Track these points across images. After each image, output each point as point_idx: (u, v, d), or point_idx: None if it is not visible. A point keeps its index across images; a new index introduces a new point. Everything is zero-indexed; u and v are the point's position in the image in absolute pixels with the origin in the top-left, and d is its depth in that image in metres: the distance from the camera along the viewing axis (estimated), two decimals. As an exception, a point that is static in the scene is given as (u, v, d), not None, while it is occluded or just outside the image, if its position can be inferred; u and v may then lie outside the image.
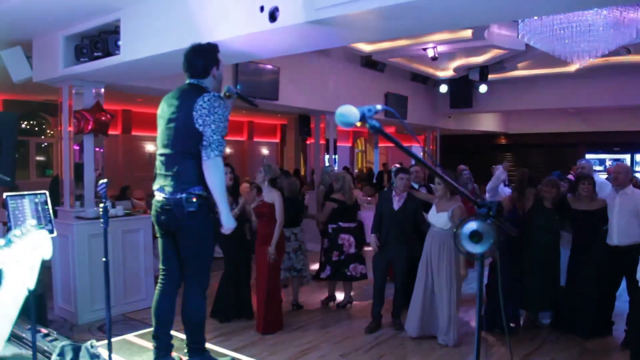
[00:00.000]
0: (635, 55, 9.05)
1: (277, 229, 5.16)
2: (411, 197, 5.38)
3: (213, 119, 2.84)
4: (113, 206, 5.97)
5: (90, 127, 5.73)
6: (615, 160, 15.83)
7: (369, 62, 10.20)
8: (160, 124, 3.08)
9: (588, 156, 15.64)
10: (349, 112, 1.30)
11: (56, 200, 5.79)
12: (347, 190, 6.18)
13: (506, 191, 6.51)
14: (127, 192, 8.64)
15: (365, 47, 9.20)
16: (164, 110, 3.07)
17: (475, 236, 1.48)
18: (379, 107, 1.35)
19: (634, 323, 3.74)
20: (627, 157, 15.60)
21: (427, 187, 6.28)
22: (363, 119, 1.31)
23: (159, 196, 3.00)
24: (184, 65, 3.08)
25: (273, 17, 3.59)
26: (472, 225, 1.49)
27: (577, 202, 5.28)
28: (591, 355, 4.85)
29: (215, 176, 2.86)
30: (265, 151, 16.16)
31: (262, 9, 3.63)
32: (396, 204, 5.35)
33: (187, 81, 3.07)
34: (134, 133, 12.51)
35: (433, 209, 5.13)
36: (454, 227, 4.88)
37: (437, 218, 5.05)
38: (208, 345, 3.35)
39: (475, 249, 1.48)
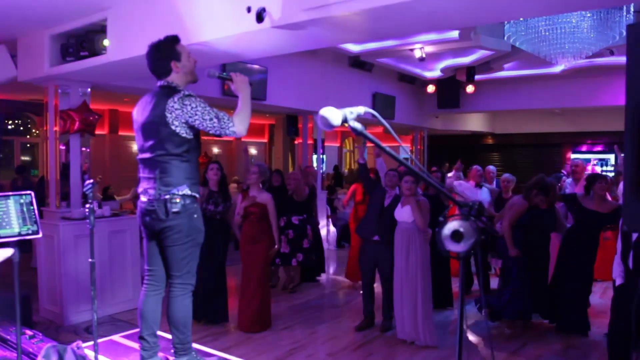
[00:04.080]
0: (618, 57, 9.15)
1: (274, 231, 5.31)
2: (398, 195, 5.39)
3: (191, 114, 2.82)
4: (100, 206, 5.95)
5: (76, 127, 5.70)
6: (600, 160, 16.03)
7: (357, 63, 10.23)
8: (137, 129, 3.08)
9: (573, 156, 15.83)
10: (330, 114, 1.32)
11: (42, 201, 5.76)
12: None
13: (479, 193, 6.58)
14: (108, 191, 8.58)
15: (353, 48, 9.23)
16: (138, 115, 3.07)
17: (456, 235, 1.51)
18: (361, 110, 1.37)
19: (612, 318, 3.81)
20: (611, 157, 15.78)
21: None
22: (345, 121, 1.33)
23: (143, 198, 3.00)
24: (149, 69, 3.05)
25: (260, 17, 3.59)
26: (453, 225, 1.52)
27: (588, 201, 5.23)
28: (576, 351, 4.93)
29: (244, 124, 2.92)
30: (253, 151, 16.12)
31: (249, 9, 3.63)
32: (387, 200, 5.40)
33: (158, 84, 3.06)
34: (120, 133, 12.42)
35: (398, 206, 5.18)
36: (417, 219, 4.97)
37: (402, 212, 5.09)
38: (194, 345, 3.35)
39: (456, 247, 1.51)
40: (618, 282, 3.52)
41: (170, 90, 2.93)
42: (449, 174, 6.82)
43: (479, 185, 6.71)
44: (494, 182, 7.52)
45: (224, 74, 3.09)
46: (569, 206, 5.38)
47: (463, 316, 1.70)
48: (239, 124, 2.89)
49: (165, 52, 3.00)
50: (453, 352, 4.82)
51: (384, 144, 1.52)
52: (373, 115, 1.54)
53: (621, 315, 3.42)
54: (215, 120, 2.84)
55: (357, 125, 1.36)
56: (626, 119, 1.75)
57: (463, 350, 1.82)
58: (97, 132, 6.12)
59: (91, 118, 5.82)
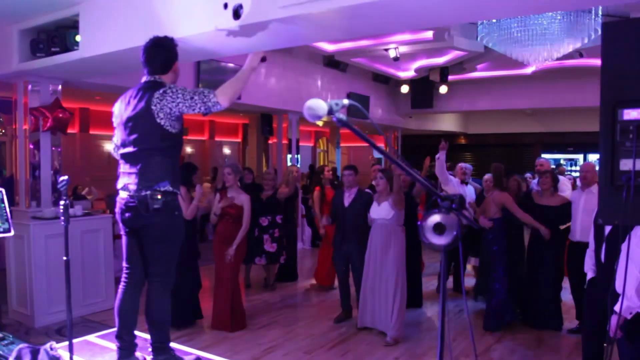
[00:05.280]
0: (587, 59, 9.37)
1: (241, 232, 5.21)
2: (361, 193, 5.54)
3: (173, 98, 2.78)
4: (71, 206, 5.82)
5: (48, 124, 5.58)
6: (569, 160, 16.40)
7: (332, 62, 10.25)
8: (118, 124, 3.02)
9: (543, 156, 16.16)
10: (316, 105, 1.33)
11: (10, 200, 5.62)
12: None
13: (465, 190, 6.66)
14: (77, 191, 8.42)
15: (328, 47, 9.25)
16: (121, 110, 3.01)
17: (438, 228, 1.53)
18: (345, 101, 1.38)
19: (585, 311, 3.90)
20: (580, 157, 16.16)
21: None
22: (330, 112, 1.34)
23: (123, 194, 2.94)
24: (144, 61, 3.01)
25: (237, 14, 3.57)
26: (435, 218, 1.54)
27: (540, 197, 5.51)
28: (548, 346, 5.03)
29: (227, 94, 2.80)
30: (227, 151, 16.01)
31: (225, 5, 3.61)
32: (346, 200, 5.52)
33: (145, 79, 3.01)
34: (92, 132, 12.20)
35: (374, 204, 5.25)
36: (396, 215, 5.05)
37: (379, 210, 5.16)
38: (171, 345, 3.30)
39: (439, 240, 1.53)
40: (589, 275, 3.59)
41: (156, 85, 2.89)
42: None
43: (464, 183, 6.82)
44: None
45: None
46: (527, 204, 5.56)
47: (445, 310, 1.71)
48: (220, 93, 2.79)
49: (171, 50, 3.00)
50: (429, 348, 4.90)
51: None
52: (353, 113, 1.55)
53: (594, 308, 3.49)
54: (195, 97, 2.79)
55: (343, 117, 1.37)
56: (601, 114, 1.80)
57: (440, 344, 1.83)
58: (68, 130, 5.98)
59: (62, 115, 5.69)
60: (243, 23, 3.59)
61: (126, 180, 2.92)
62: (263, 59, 3.06)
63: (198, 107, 2.79)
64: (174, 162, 2.95)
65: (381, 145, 15.11)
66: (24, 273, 5.46)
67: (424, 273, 7.68)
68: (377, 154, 16.29)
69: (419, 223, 1.55)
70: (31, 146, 5.72)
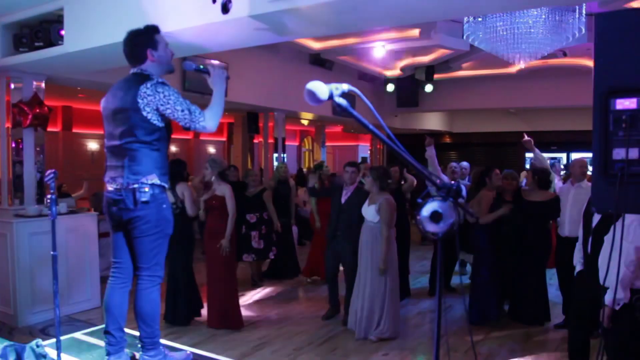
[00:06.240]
0: (571, 58, 9.49)
1: (229, 222, 5.13)
2: (358, 191, 5.41)
3: (163, 102, 2.75)
4: (56, 203, 5.73)
5: (29, 121, 5.49)
6: (552, 158, 16.56)
7: (318, 60, 10.23)
8: (106, 116, 2.97)
9: (528, 155, 16.31)
10: (317, 88, 1.32)
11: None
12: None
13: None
14: (62, 189, 8.30)
15: (314, 45, 9.24)
16: (108, 102, 2.97)
17: (435, 216, 1.53)
18: (345, 86, 1.38)
19: (573, 304, 3.94)
20: (563, 156, 16.34)
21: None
22: (331, 97, 1.33)
23: (110, 187, 2.89)
24: (125, 54, 2.97)
25: (225, 8, 3.55)
26: (432, 206, 1.54)
27: (528, 194, 5.57)
28: (536, 341, 5.08)
29: (215, 120, 2.87)
30: (211, 150, 15.95)
31: (214, 0, 3.59)
32: (343, 197, 5.44)
33: (131, 71, 2.98)
34: (74, 130, 12.04)
35: (366, 203, 5.18)
36: (381, 221, 4.95)
37: (368, 211, 5.10)
38: (161, 341, 3.27)
39: (436, 228, 1.53)
40: (578, 268, 3.63)
41: (142, 77, 2.84)
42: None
43: (455, 181, 6.84)
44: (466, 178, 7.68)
45: (201, 66, 3.02)
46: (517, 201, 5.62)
47: (441, 303, 1.71)
48: (209, 119, 2.83)
49: (142, 39, 2.91)
50: (417, 344, 4.91)
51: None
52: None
53: (581, 301, 3.53)
54: (186, 112, 2.77)
55: (343, 102, 1.36)
56: (594, 104, 1.82)
57: (431, 340, 1.83)
58: (50, 129, 5.91)
59: (39, 110, 5.59)
60: (231, 17, 3.57)
61: (113, 174, 2.87)
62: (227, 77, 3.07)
63: (184, 122, 2.80)
64: (162, 154, 2.91)
65: (367, 144, 15.04)
66: (7, 272, 5.37)
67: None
68: (363, 154, 16.38)
69: (415, 212, 1.55)
70: (13, 144, 5.63)
